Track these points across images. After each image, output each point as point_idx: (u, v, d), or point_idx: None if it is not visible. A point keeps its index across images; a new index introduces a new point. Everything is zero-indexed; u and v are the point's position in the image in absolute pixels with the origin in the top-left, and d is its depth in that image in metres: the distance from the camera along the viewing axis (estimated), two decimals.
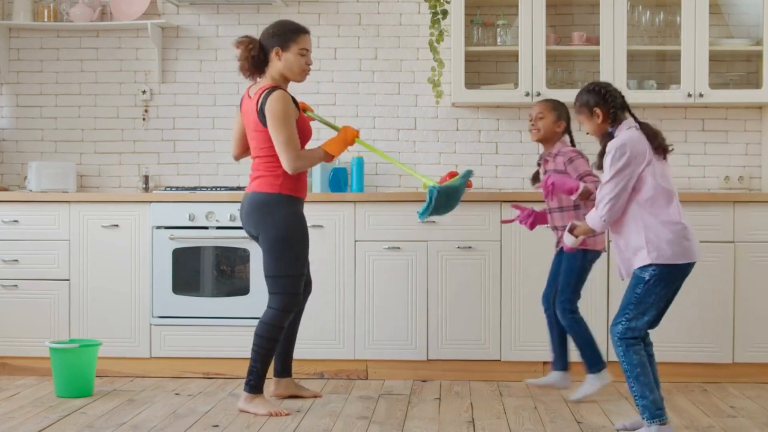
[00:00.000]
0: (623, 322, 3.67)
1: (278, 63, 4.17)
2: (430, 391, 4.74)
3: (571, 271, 4.42)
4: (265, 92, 4.11)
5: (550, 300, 4.55)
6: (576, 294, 4.44)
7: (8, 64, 5.74)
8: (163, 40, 5.69)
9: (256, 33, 5.59)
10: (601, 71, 5.23)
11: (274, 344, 4.20)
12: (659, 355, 4.58)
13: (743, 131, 5.52)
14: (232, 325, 5.02)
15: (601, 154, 3.72)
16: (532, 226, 4.52)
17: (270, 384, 4.50)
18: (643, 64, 5.47)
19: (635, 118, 3.78)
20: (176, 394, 4.64)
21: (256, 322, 4.95)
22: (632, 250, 3.68)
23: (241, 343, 5.00)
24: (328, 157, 4.22)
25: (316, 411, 4.24)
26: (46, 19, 5.63)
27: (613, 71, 5.20)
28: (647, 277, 3.64)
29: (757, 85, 5.32)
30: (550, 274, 4.58)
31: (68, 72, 5.74)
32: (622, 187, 3.62)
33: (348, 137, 4.25)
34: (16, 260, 5.11)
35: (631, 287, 3.69)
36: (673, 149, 3.77)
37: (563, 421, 4.06)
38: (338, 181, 5.33)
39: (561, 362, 4.56)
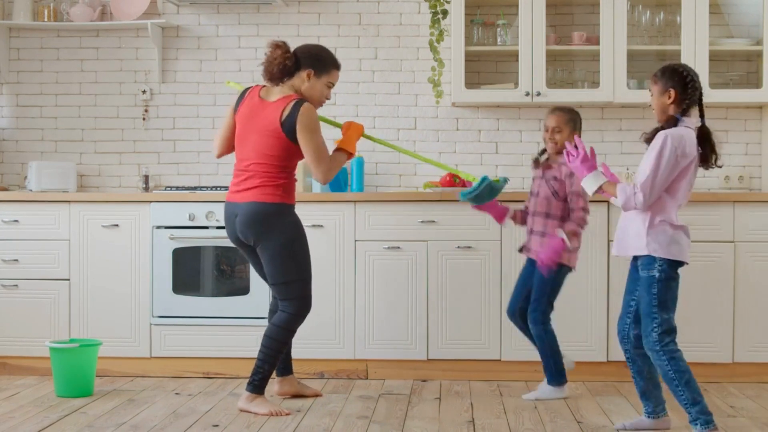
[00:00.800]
0: (656, 329, 3.63)
1: (305, 83, 4.20)
2: (430, 391, 4.74)
3: (545, 282, 4.41)
4: (293, 102, 4.12)
5: (516, 314, 4.56)
6: (550, 306, 4.46)
7: (8, 64, 5.74)
8: (163, 40, 5.69)
9: (255, 33, 5.64)
10: (601, 71, 5.23)
11: (284, 347, 4.23)
12: None
13: (743, 131, 5.52)
14: (232, 325, 5.02)
15: (654, 132, 3.67)
16: (500, 219, 4.57)
17: (273, 384, 4.51)
18: (643, 64, 5.46)
19: (703, 120, 3.73)
20: (176, 393, 4.64)
21: (256, 322, 4.97)
22: (632, 237, 3.70)
23: (241, 343, 5.00)
24: (350, 156, 4.31)
25: (316, 411, 4.24)
26: (46, 19, 5.63)
27: (613, 71, 5.20)
28: (657, 274, 3.64)
29: (757, 85, 5.32)
30: (517, 285, 4.59)
31: (68, 72, 5.75)
32: (661, 176, 3.58)
33: (359, 130, 4.33)
34: (16, 260, 5.11)
35: (646, 290, 3.66)
36: (721, 166, 3.79)
37: (563, 421, 4.06)
38: (338, 181, 5.32)
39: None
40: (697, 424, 3.60)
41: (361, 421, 4.04)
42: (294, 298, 4.21)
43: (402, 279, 5.00)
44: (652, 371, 3.81)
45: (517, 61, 5.29)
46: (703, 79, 5.17)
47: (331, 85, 4.27)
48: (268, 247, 4.18)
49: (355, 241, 5.01)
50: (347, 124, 4.34)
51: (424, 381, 4.99)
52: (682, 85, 3.67)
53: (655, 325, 3.63)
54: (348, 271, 5.01)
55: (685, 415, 4.15)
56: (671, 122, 3.67)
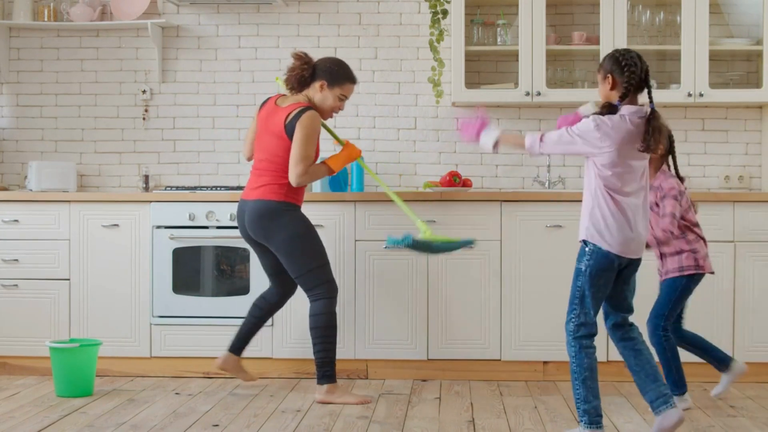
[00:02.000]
0: (573, 320, 3.59)
1: (318, 93, 4.44)
2: (430, 390, 4.74)
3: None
4: (300, 108, 4.34)
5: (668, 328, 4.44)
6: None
7: (8, 63, 5.74)
8: (163, 39, 5.69)
9: (256, 32, 5.64)
10: None
11: (333, 330, 4.40)
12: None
13: (743, 131, 5.52)
14: (232, 324, 5.01)
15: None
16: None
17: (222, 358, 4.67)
18: None
19: (652, 105, 3.58)
20: (176, 393, 4.64)
21: None
22: (582, 225, 3.61)
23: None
24: (331, 172, 4.42)
25: (316, 411, 4.24)
26: (46, 19, 5.63)
27: None
28: (583, 268, 3.56)
29: (757, 84, 5.32)
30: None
31: (68, 72, 5.75)
32: (566, 140, 3.53)
33: (352, 155, 4.47)
34: (16, 260, 5.11)
35: (573, 281, 3.61)
36: (656, 152, 3.63)
37: (563, 421, 4.06)
38: (338, 181, 5.33)
39: (722, 361, 4.46)
40: (581, 422, 3.56)
41: (361, 421, 4.04)
42: (320, 284, 4.39)
43: (402, 279, 5.00)
44: (646, 360, 3.63)
45: (517, 61, 5.29)
46: (703, 79, 5.18)
47: (343, 98, 4.47)
48: (278, 244, 4.37)
49: (355, 241, 5.01)
50: (348, 145, 4.48)
51: (424, 381, 4.99)
52: (618, 69, 3.57)
53: (572, 316, 3.59)
54: (348, 271, 5.00)
55: (685, 414, 4.16)
56: (608, 108, 3.57)
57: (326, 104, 4.44)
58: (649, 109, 3.56)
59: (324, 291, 4.39)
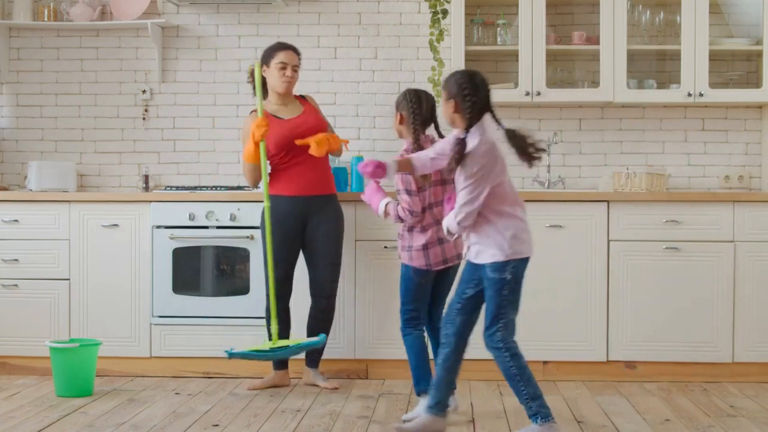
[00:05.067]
0: (501, 329, 3.72)
1: (267, 76, 4.69)
2: None
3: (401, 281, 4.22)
4: None
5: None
6: (409, 307, 4.24)
7: (8, 63, 5.74)
8: (163, 39, 5.69)
9: (255, 33, 5.64)
10: (601, 71, 5.23)
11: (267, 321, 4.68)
12: (660, 355, 4.59)
13: (743, 131, 5.52)
14: (232, 324, 5.02)
15: (455, 157, 3.60)
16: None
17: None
18: (643, 63, 5.47)
19: (500, 124, 3.65)
20: (176, 393, 4.64)
21: (256, 322, 4.99)
22: (476, 249, 3.68)
23: (241, 343, 4.98)
24: (247, 160, 4.62)
25: (316, 411, 4.24)
26: (46, 19, 5.63)
27: (613, 71, 5.20)
28: (509, 277, 3.63)
29: (757, 84, 5.32)
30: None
31: (68, 72, 5.74)
32: (475, 194, 3.61)
33: (249, 146, 4.56)
34: (16, 260, 5.11)
35: (497, 293, 3.67)
36: (539, 157, 3.76)
37: (563, 421, 4.06)
38: (338, 181, 5.32)
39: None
40: (537, 418, 3.63)
41: (361, 421, 4.04)
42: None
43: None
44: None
45: (517, 60, 5.29)
46: (703, 79, 5.17)
47: (282, 66, 4.65)
48: None
49: (356, 240, 5.01)
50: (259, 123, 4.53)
51: None
52: (460, 96, 3.63)
53: (501, 325, 3.74)
54: (348, 271, 5.00)
55: (685, 414, 4.16)
56: (460, 144, 3.61)
57: (273, 81, 4.66)
58: (501, 129, 3.66)
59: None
